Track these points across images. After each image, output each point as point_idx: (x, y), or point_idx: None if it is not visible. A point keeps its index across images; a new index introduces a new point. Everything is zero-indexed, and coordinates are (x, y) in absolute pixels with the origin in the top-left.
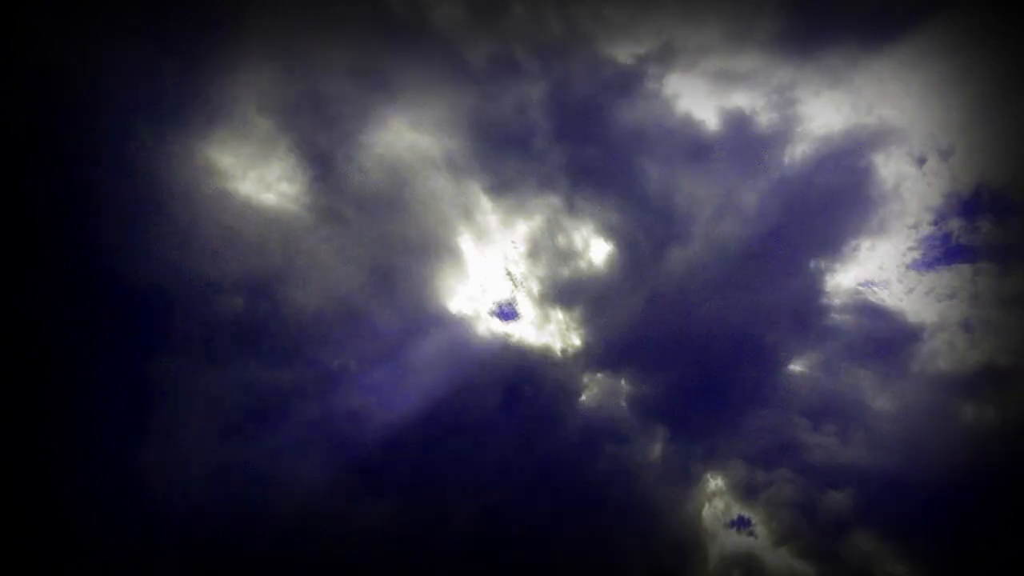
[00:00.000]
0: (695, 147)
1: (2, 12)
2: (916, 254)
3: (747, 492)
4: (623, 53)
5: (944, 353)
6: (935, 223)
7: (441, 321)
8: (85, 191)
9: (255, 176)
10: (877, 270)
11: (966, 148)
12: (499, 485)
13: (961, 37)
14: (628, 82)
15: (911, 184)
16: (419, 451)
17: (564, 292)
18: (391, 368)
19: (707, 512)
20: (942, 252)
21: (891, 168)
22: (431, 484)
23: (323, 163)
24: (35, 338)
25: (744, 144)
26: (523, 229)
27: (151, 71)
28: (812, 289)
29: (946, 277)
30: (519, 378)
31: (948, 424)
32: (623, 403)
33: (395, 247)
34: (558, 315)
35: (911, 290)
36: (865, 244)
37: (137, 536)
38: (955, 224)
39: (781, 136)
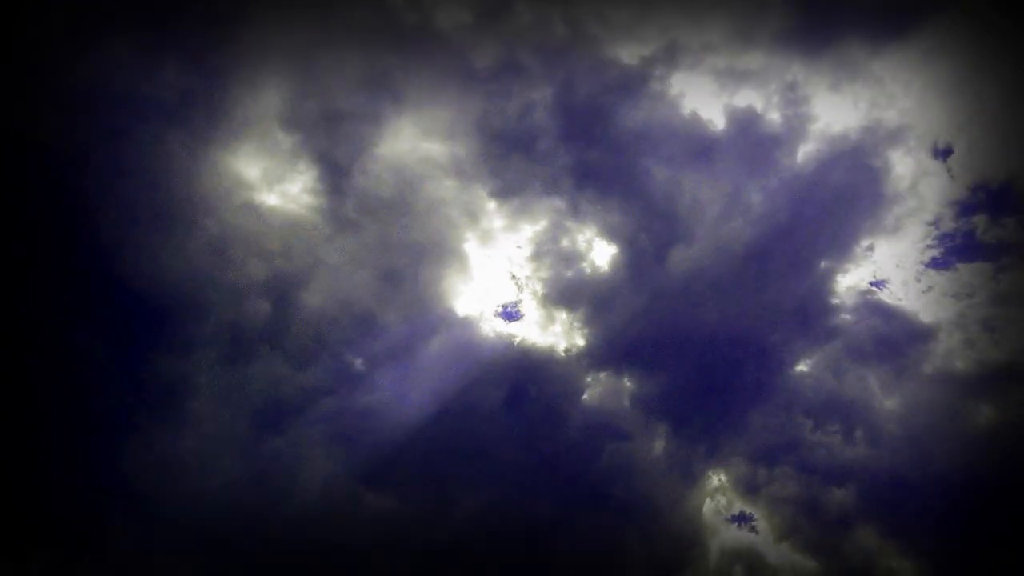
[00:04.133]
0: (701, 146)
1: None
2: (922, 253)
3: (749, 489)
4: (627, 54)
5: (948, 352)
6: (943, 222)
7: (447, 323)
8: (91, 195)
9: (259, 179)
10: (882, 269)
11: (974, 146)
12: (503, 482)
13: (972, 33)
14: (633, 83)
15: (917, 183)
16: (425, 449)
17: (568, 293)
18: (397, 369)
19: (708, 508)
20: (949, 251)
21: (899, 166)
22: (436, 481)
23: (328, 165)
24: (37, 340)
25: (751, 143)
26: (528, 232)
27: (153, 73)
28: (818, 288)
29: (951, 276)
30: (523, 378)
31: (952, 423)
32: (626, 402)
33: (402, 251)
34: (562, 316)
35: (915, 289)
36: (869, 243)
37: (139, 536)
38: (962, 223)
39: (788, 134)
